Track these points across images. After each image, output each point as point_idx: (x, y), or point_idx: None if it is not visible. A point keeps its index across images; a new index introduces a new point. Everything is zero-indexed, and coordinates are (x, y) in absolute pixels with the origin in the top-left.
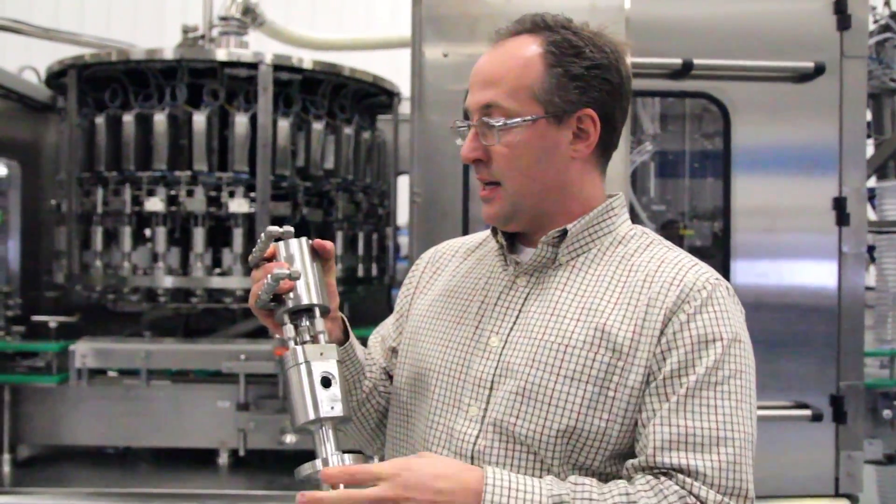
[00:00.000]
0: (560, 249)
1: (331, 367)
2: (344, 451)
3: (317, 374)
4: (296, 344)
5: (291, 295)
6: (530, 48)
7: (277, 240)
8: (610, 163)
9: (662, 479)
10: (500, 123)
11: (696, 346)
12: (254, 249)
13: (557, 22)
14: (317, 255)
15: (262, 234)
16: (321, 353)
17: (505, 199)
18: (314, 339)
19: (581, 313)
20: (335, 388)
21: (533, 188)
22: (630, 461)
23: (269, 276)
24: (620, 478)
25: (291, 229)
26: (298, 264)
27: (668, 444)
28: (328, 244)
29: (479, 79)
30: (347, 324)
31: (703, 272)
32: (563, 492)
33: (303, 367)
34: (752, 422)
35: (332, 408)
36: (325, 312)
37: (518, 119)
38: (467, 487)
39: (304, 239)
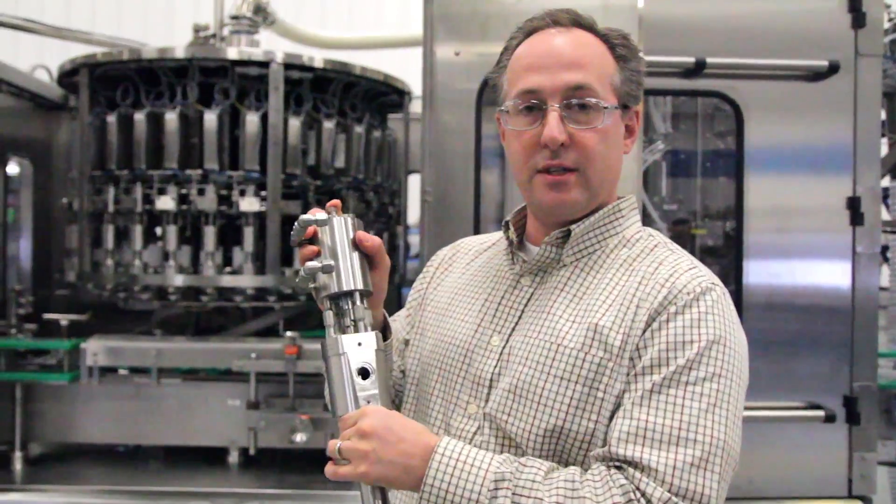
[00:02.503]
0: (564, 250)
1: (368, 356)
2: None
3: (355, 365)
4: (335, 332)
5: (332, 279)
6: (597, 40)
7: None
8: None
9: (613, 471)
10: (607, 105)
11: (671, 344)
12: (292, 233)
13: (594, 24)
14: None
15: (297, 223)
16: (359, 343)
17: (583, 187)
18: (355, 325)
19: (577, 314)
20: (373, 380)
21: (607, 177)
22: (594, 451)
23: (302, 268)
24: None
25: (325, 215)
26: (338, 249)
27: (626, 437)
28: (371, 240)
29: (560, 60)
30: (388, 320)
31: (697, 276)
32: (508, 470)
33: (342, 359)
34: (725, 428)
35: (368, 402)
36: (367, 295)
37: (612, 105)
38: (423, 444)
39: (346, 219)
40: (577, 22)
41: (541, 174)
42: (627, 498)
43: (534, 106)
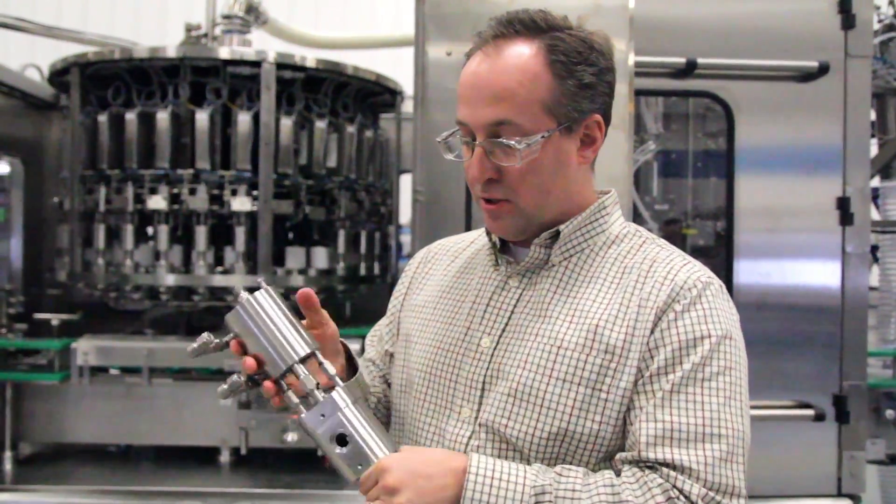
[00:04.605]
0: (553, 250)
1: (336, 423)
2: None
3: (331, 436)
4: (301, 406)
5: (268, 367)
6: (534, 56)
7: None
8: (613, 162)
9: (647, 472)
10: (522, 146)
11: (683, 342)
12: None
13: (549, 23)
14: (286, 305)
15: (199, 340)
16: (322, 416)
17: (517, 214)
18: (310, 395)
19: (573, 315)
20: (355, 441)
21: (547, 201)
22: (619, 454)
23: (228, 383)
24: None
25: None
26: (258, 331)
27: (654, 440)
28: (307, 296)
29: (482, 93)
30: (351, 351)
31: (695, 271)
32: (547, 482)
33: (318, 436)
34: (743, 419)
35: (360, 466)
36: (311, 355)
37: (537, 136)
38: (452, 470)
39: (256, 295)
40: (524, 29)
41: (483, 201)
42: (667, 497)
43: (468, 139)
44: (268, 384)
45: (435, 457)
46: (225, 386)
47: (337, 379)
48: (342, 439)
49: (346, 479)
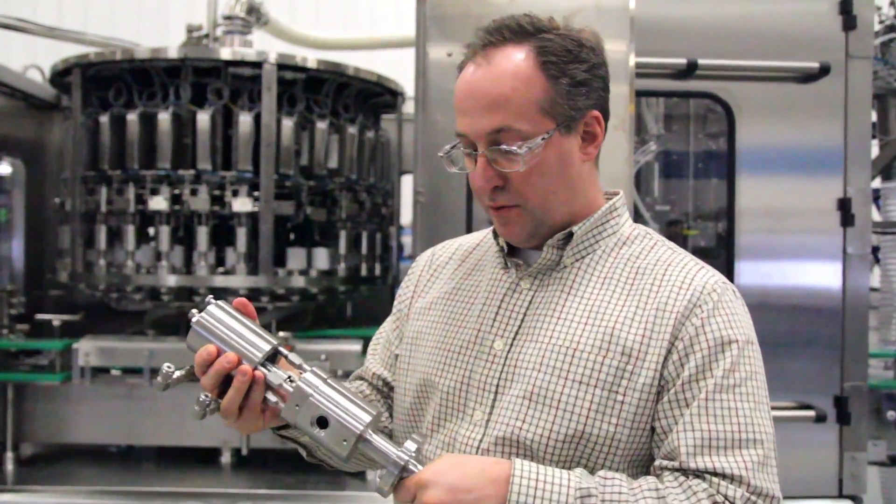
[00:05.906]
0: (565, 252)
1: (313, 409)
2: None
3: (313, 424)
4: (279, 403)
5: (244, 359)
6: (525, 60)
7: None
8: (614, 163)
9: (691, 478)
10: (523, 150)
11: (712, 349)
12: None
13: (536, 26)
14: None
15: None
16: (297, 406)
17: (527, 218)
18: (281, 388)
19: (589, 317)
20: (335, 418)
21: (555, 202)
22: (659, 462)
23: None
24: None
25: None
26: (218, 342)
27: (695, 449)
28: (244, 304)
29: (479, 102)
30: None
31: (710, 275)
32: (592, 485)
33: (301, 428)
34: (769, 421)
35: (344, 442)
36: (277, 352)
37: (538, 139)
38: (492, 481)
39: (210, 308)
40: (512, 34)
41: (491, 209)
42: (713, 501)
43: (470, 150)
44: (245, 368)
45: (473, 468)
46: (196, 407)
47: (304, 365)
48: (322, 421)
49: (339, 458)
